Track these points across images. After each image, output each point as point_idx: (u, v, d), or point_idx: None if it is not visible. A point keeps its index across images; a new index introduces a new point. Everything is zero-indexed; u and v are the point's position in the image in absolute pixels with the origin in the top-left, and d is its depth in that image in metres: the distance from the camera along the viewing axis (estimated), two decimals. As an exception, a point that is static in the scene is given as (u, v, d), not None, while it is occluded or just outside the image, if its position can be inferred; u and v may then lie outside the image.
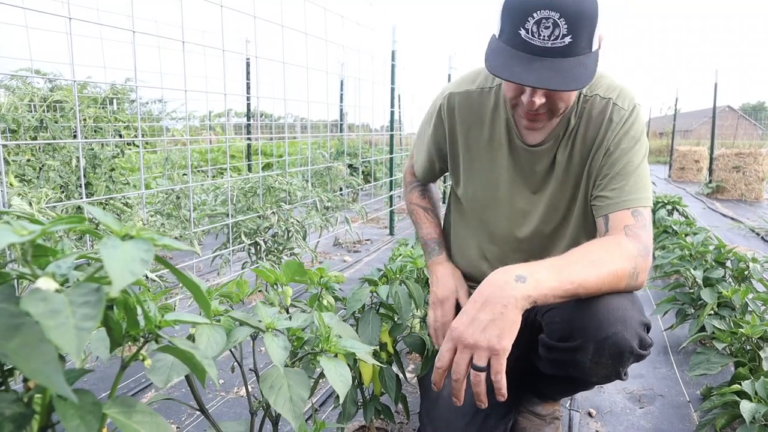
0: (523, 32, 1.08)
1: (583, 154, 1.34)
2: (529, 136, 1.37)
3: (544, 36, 1.07)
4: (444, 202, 4.83)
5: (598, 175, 1.31)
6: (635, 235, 1.19)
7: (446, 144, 1.50)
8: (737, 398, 1.56)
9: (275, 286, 1.10)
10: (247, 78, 6.11)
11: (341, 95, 6.71)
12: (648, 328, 1.22)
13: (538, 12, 1.06)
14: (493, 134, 1.42)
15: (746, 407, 1.47)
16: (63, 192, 2.92)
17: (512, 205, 1.45)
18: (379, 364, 1.04)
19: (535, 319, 1.36)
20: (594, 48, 1.13)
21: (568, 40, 1.08)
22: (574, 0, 1.05)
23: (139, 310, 0.54)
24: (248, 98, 6.30)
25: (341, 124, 7.56)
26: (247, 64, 6.06)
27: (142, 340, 0.57)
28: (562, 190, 1.39)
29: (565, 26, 1.06)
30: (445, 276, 1.50)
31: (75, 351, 0.34)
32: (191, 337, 0.83)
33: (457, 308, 1.45)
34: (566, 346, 1.21)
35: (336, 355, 0.88)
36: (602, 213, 1.27)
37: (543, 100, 1.18)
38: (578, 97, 1.31)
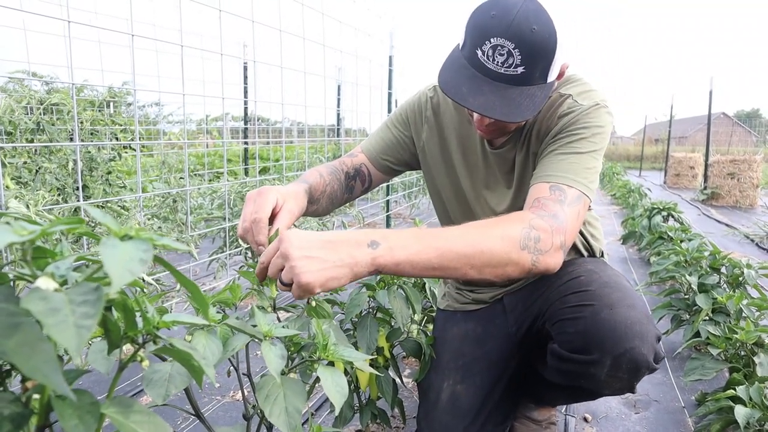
0: (479, 53, 1.09)
1: (535, 151, 1.32)
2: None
3: (498, 62, 1.08)
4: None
5: (539, 156, 1.26)
6: (542, 206, 1.09)
7: (428, 132, 1.49)
8: (732, 404, 1.57)
9: (262, 287, 1.10)
10: (245, 82, 6.13)
11: (338, 100, 6.73)
12: (659, 339, 1.18)
13: (495, 39, 1.06)
14: (470, 133, 1.43)
15: (741, 412, 1.48)
16: (60, 195, 2.92)
17: (486, 205, 1.47)
18: (377, 373, 1.02)
19: (542, 327, 1.35)
20: (550, 79, 1.12)
21: (521, 70, 1.08)
22: (531, 34, 1.05)
23: (137, 312, 0.54)
24: (246, 102, 6.31)
25: (338, 129, 7.57)
26: (245, 68, 6.08)
27: (140, 341, 0.57)
28: (523, 190, 1.38)
29: (519, 57, 1.06)
30: (285, 188, 1.20)
31: (75, 348, 0.34)
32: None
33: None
34: (581, 359, 1.17)
35: (333, 363, 0.88)
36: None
37: (492, 119, 1.18)
38: None
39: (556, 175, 1.16)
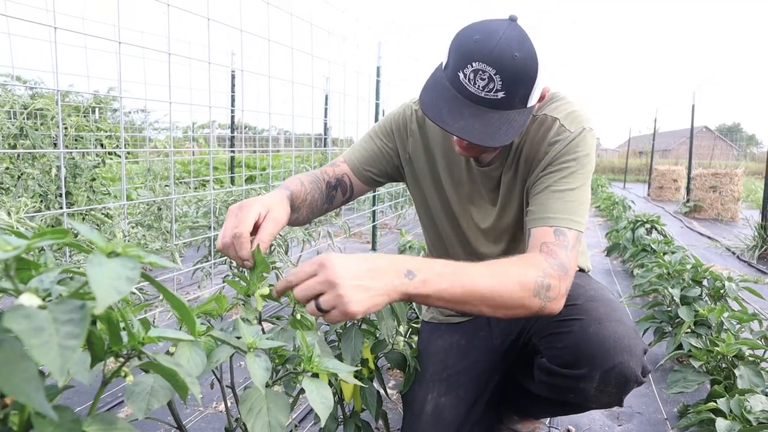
0: (461, 76, 1.10)
1: (524, 175, 1.33)
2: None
3: (479, 86, 1.09)
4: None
5: (532, 189, 1.28)
6: (550, 252, 1.13)
7: (414, 148, 1.49)
8: (713, 416, 1.58)
9: (248, 297, 1.09)
10: (232, 90, 6.11)
11: (326, 109, 6.74)
12: (646, 353, 1.20)
13: (477, 63, 1.07)
14: (455, 148, 1.44)
15: (722, 425, 1.49)
16: (42, 202, 2.88)
17: (471, 220, 1.47)
18: (362, 384, 1.02)
19: (528, 340, 1.35)
20: (530, 104, 1.14)
21: (501, 95, 1.09)
22: (513, 61, 1.06)
23: (122, 326, 0.53)
24: (233, 110, 6.29)
25: (325, 138, 7.57)
26: (233, 77, 6.07)
27: (124, 355, 0.56)
28: (507, 210, 1.40)
29: (500, 83, 1.07)
30: (268, 197, 1.18)
31: (58, 370, 0.33)
32: (170, 355, 0.82)
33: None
34: (570, 374, 1.18)
35: (317, 375, 0.88)
36: (528, 227, 1.23)
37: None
38: None
39: (557, 218, 1.18)
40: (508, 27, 1.08)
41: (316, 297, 0.91)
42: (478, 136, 1.09)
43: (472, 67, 1.08)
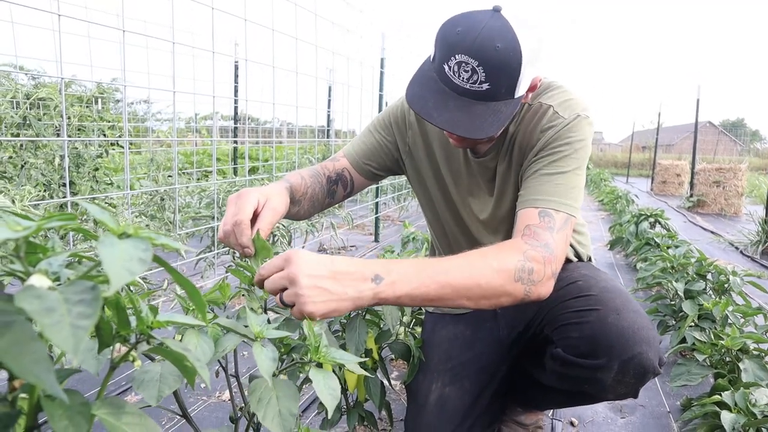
0: (446, 68, 1.10)
1: (518, 163, 1.32)
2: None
3: (463, 78, 1.08)
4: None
5: (523, 175, 1.26)
6: (533, 234, 1.11)
7: (413, 141, 1.48)
8: (717, 409, 1.58)
9: (252, 287, 1.09)
10: (236, 81, 6.10)
11: (329, 101, 6.72)
12: (660, 344, 1.19)
13: (460, 55, 1.06)
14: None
15: (726, 418, 1.49)
16: (46, 191, 2.88)
17: (471, 211, 1.47)
18: (367, 374, 1.02)
19: (539, 332, 1.34)
20: (518, 95, 1.12)
21: (486, 86, 1.08)
22: (495, 52, 1.05)
23: (130, 310, 0.53)
24: (236, 101, 6.28)
25: (328, 130, 7.56)
26: (236, 67, 6.05)
27: (133, 340, 0.56)
28: (504, 200, 1.39)
29: (483, 74, 1.06)
30: (266, 188, 1.18)
31: (72, 349, 0.33)
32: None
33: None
34: (588, 364, 1.17)
35: (322, 365, 0.88)
36: (516, 211, 1.21)
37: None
38: (521, 105, 1.26)
39: (544, 200, 1.16)
40: (491, 18, 1.07)
41: (283, 290, 0.91)
42: (463, 129, 1.09)
43: (456, 59, 1.07)
